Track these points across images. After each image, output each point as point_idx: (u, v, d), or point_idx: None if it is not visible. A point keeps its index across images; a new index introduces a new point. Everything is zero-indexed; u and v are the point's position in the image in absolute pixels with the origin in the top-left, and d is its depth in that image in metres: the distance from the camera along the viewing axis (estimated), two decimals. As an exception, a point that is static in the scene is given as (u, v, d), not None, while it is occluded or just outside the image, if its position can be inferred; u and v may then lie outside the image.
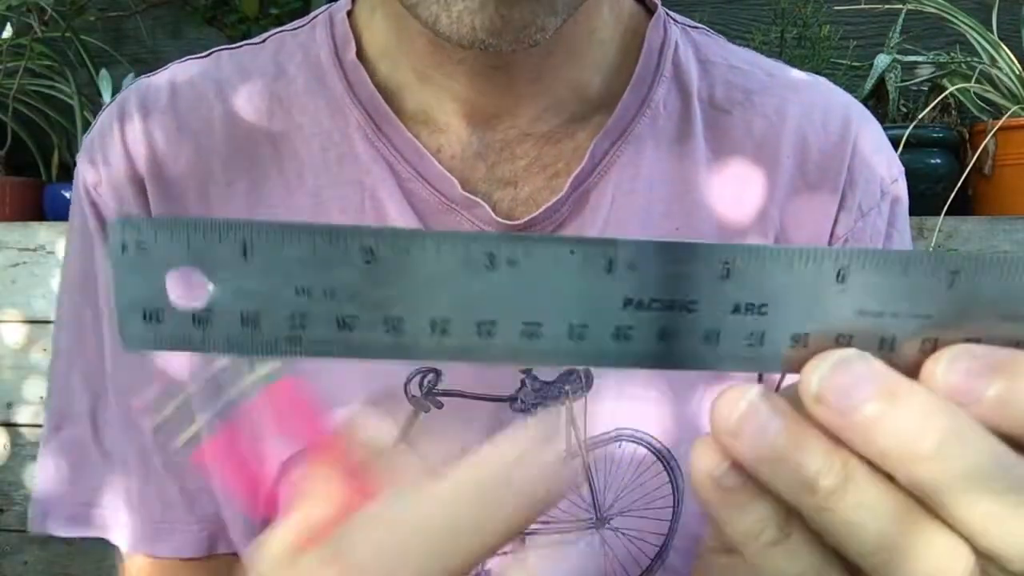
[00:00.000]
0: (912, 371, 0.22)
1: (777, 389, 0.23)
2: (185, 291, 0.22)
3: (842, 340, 0.22)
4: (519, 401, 0.49)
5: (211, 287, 0.21)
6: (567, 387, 0.49)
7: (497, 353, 0.22)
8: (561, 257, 0.21)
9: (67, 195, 1.33)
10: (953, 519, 0.20)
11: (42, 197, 1.37)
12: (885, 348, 0.22)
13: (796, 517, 0.22)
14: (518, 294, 0.22)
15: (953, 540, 0.22)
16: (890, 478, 0.21)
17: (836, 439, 0.21)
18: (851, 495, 0.21)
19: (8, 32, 1.42)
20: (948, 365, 0.21)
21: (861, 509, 0.21)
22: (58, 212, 1.34)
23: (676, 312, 0.22)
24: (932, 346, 0.22)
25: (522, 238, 0.21)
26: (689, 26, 0.55)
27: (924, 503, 0.21)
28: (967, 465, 0.20)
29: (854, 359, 0.21)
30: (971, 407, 0.20)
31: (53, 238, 1.19)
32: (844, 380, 0.21)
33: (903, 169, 0.55)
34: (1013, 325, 0.22)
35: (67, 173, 1.43)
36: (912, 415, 0.20)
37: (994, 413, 0.20)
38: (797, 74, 0.55)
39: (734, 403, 0.21)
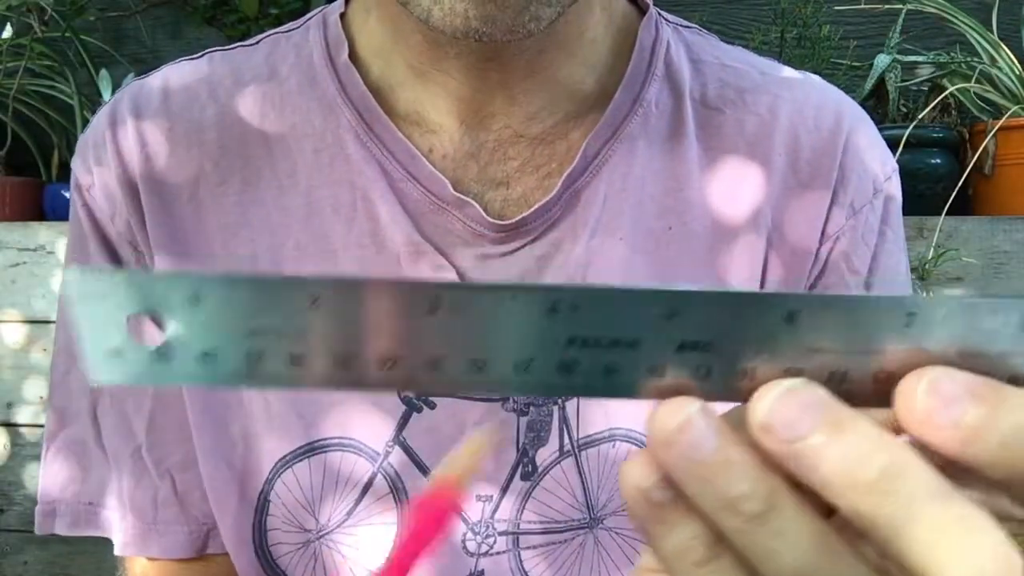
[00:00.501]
0: (863, 402, 0.22)
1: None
2: (144, 332, 0.23)
3: (791, 372, 0.22)
4: (511, 401, 0.49)
5: (168, 327, 0.22)
6: None
7: (445, 386, 0.23)
8: (503, 302, 0.22)
9: (67, 195, 1.32)
10: (892, 553, 0.20)
11: (42, 197, 1.38)
12: (835, 380, 0.22)
13: (726, 539, 0.22)
14: (463, 335, 0.22)
15: None
16: (827, 513, 0.21)
17: (768, 465, 0.21)
18: (773, 522, 0.21)
19: (8, 32, 1.42)
20: (929, 387, 0.21)
21: (781, 537, 0.21)
22: (58, 212, 1.34)
23: (620, 349, 0.22)
24: (886, 377, 0.22)
25: (463, 286, 0.22)
26: (681, 26, 0.55)
27: (851, 539, 0.21)
28: (908, 499, 0.19)
29: (802, 388, 0.21)
30: (943, 431, 0.20)
31: (53, 238, 1.19)
32: (791, 408, 0.21)
33: (897, 167, 0.55)
34: (973, 361, 0.21)
35: (67, 173, 1.41)
36: (856, 446, 0.20)
37: (968, 441, 0.20)
38: (790, 72, 0.55)
39: (673, 414, 0.21)
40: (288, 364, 0.23)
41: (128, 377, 0.23)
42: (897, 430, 0.21)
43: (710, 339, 0.22)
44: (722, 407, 0.23)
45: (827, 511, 0.22)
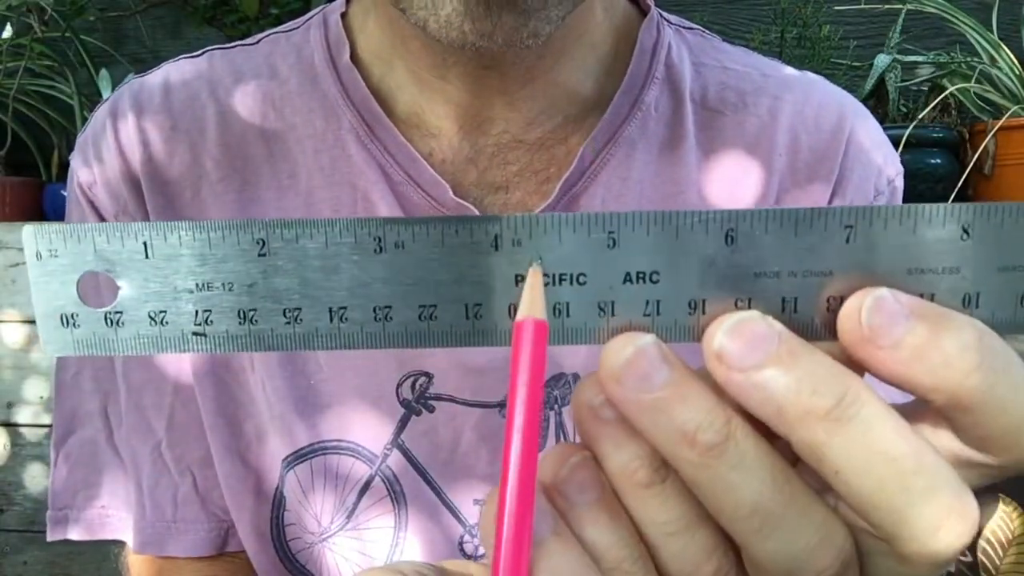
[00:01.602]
0: (817, 332, 0.22)
1: None
2: (97, 293, 0.23)
3: (741, 304, 0.22)
4: (507, 407, 0.49)
5: (120, 288, 0.22)
6: (556, 393, 0.49)
7: (396, 337, 0.23)
8: (447, 237, 0.22)
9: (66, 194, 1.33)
10: (845, 488, 0.20)
11: (42, 197, 1.38)
12: (788, 310, 0.22)
13: (684, 477, 0.22)
14: (410, 277, 0.22)
15: (831, 518, 0.21)
16: (788, 455, 0.21)
17: (723, 397, 0.21)
18: (731, 454, 0.20)
19: (8, 32, 1.42)
20: (873, 304, 0.20)
21: (739, 470, 0.21)
22: (58, 212, 1.34)
23: (567, 285, 0.22)
24: (837, 305, 0.21)
25: (407, 221, 0.22)
26: (683, 27, 0.55)
27: (809, 476, 0.21)
28: (862, 431, 0.19)
29: (756, 319, 0.21)
30: (885, 351, 0.20)
31: (53, 238, 1.19)
32: (745, 339, 0.20)
33: (901, 169, 0.55)
34: (920, 278, 0.21)
35: (67, 173, 1.43)
36: (811, 375, 0.20)
37: (909, 360, 0.20)
38: (792, 73, 0.55)
39: (623, 347, 0.21)
40: (238, 321, 0.22)
41: (78, 346, 0.23)
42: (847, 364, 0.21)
43: (654, 268, 0.22)
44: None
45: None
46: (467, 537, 0.50)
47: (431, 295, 0.22)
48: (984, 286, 0.21)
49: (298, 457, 0.50)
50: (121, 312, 0.22)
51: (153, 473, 0.52)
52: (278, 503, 0.51)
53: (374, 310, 0.22)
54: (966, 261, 0.21)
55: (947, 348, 0.19)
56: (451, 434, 0.49)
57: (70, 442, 0.54)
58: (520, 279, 0.22)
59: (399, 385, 0.49)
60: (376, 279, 0.22)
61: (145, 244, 0.22)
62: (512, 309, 0.22)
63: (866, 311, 0.20)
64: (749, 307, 0.22)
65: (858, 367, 0.21)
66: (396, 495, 0.50)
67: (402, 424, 0.49)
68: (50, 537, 0.54)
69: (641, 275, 0.22)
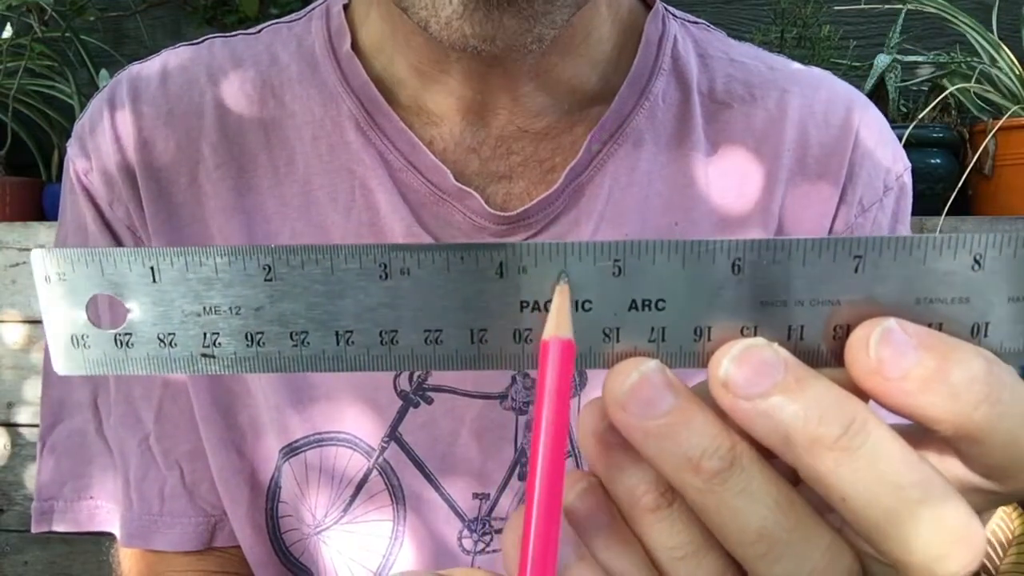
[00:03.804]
0: (823, 361, 0.22)
1: None
2: (106, 315, 0.23)
3: (747, 332, 0.22)
4: (509, 399, 0.49)
5: (129, 310, 0.23)
6: None
7: (402, 360, 0.23)
8: (452, 264, 0.22)
9: (67, 195, 1.33)
10: (852, 515, 0.20)
11: (42, 197, 1.38)
12: (794, 338, 0.22)
13: (688, 500, 0.22)
14: (416, 302, 0.22)
15: (838, 542, 0.21)
16: (793, 480, 0.21)
17: (728, 423, 0.21)
18: (736, 480, 0.20)
19: (8, 32, 1.42)
20: (881, 336, 0.20)
21: (744, 496, 0.21)
22: (58, 212, 1.34)
23: (572, 312, 0.22)
24: (844, 333, 0.21)
25: (413, 247, 0.22)
26: (689, 21, 0.55)
27: (813, 501, 0.21)
28: (870, 460, 0.19)
29: (762, 347, 0.21)
30: (895, 382, 0.20)
31: (53, 238, 1.19)
32: (751, 366, 0.20)
33: (909, 165, 0.54)
34: (929, 307, 0.21)
35: (67, 172, 1.42)
36: (818, 403, 0.20)
37: (917, 392, 0.19)
38: (799, 67, 0.54)
39: (626, 373, 0.21)
40: (246, 344, 0.23)
41: (90, 366, 0.23)
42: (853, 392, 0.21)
43: (660, 296, 0.22)
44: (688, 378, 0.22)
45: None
46: (466, 533, 0.50)
47: (436, 320, 0.22)
48: (994, 316, 0.21)
49: (294, 449, 0.50)
50: (131, 334, 0.23)
51: (141, 466, 0.52)
52: (273, 494, 0.51)
53: (380, 334, 0.23)
54: (976, 291, 0.21)
55: (955, 380, 0.19)
56: (450, 426, 0.49)
57: (57, 431, 0.54)
58: (525, 305, 0.22)
59: (397, 376, 0.48)
60: (382, 304, 0.22)
61: (152, 269, 0.22)
62: (517, 334, 0.22)
63: (874, 342, 0.20)
64: (755, 334, 0.22)
65: (862, 394, 0.21)
66: (394, 489, 0.50)
67: (399, 417, 0.49)
68: (34, 529, 0.54)
69: (647, 302, 0.22)
